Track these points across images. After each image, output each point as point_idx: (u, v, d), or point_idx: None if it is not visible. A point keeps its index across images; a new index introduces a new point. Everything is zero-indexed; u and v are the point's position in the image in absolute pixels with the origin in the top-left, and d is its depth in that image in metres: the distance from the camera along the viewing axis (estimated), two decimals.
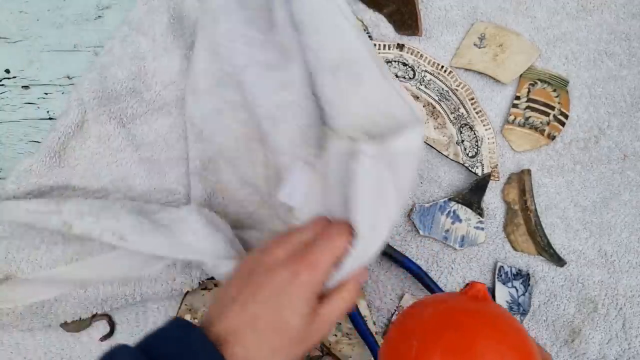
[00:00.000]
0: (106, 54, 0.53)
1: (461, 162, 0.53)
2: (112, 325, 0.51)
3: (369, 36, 0.55)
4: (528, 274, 0.52)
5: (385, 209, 0.35)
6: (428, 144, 0.54)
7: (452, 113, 0.54)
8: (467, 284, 0.34)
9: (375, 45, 0.54)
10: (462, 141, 0.54)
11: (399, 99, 0.38)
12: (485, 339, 0.29)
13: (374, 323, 0.51)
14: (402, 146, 0.34)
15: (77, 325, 0.50)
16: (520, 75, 0.55)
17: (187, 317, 0.50)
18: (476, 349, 0.29)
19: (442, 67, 0.55)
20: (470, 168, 0.53)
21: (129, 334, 0.51)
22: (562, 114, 0.54)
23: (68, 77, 0.57)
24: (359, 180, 0.32)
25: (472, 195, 0.52)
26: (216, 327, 0.31)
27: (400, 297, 0.52)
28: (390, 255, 0.50)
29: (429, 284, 0.50)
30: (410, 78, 0.55)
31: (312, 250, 0.33)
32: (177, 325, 0.31)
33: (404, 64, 0.55)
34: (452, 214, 0.53)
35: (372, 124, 0.38)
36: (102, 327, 0.51)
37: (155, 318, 0.51)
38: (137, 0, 0.53)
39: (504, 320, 0.32)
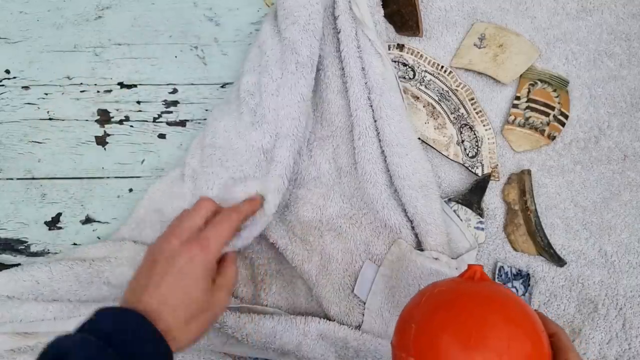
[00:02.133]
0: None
1: (461, 162, 0.53)
2: None
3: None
4: (528, 274, 0.52)
5: None
6: (428, 144, 0.54)
7: (452, 113, 0.54)
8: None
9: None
10: (462, 141, 0.54)
11: (453, 223, 0.51)
12: (478, 314, 0.31)
13: None
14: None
15: None
16: (521, 76, 0.55)
17: None
18: (468, 324, 0.30)
19: (442, 67, 0.55)
20: (470, 168, 0.53)
21: None
22: (562, 114, 0.54)
23: (68, 77, 0.57)
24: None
25: (472, 195, 0.52)
26: (137, 309, 0.36)
27: None
28: None
29: None
30: (410, 78, 0.55)
31: (203, 235, 0.40)
32: (115, 313, 0.35)
33: (404, 64, 0.55)
34: None
35: (443, 246, 0.49)
36: None
37: None
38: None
39: (499, 295, 0.33)
